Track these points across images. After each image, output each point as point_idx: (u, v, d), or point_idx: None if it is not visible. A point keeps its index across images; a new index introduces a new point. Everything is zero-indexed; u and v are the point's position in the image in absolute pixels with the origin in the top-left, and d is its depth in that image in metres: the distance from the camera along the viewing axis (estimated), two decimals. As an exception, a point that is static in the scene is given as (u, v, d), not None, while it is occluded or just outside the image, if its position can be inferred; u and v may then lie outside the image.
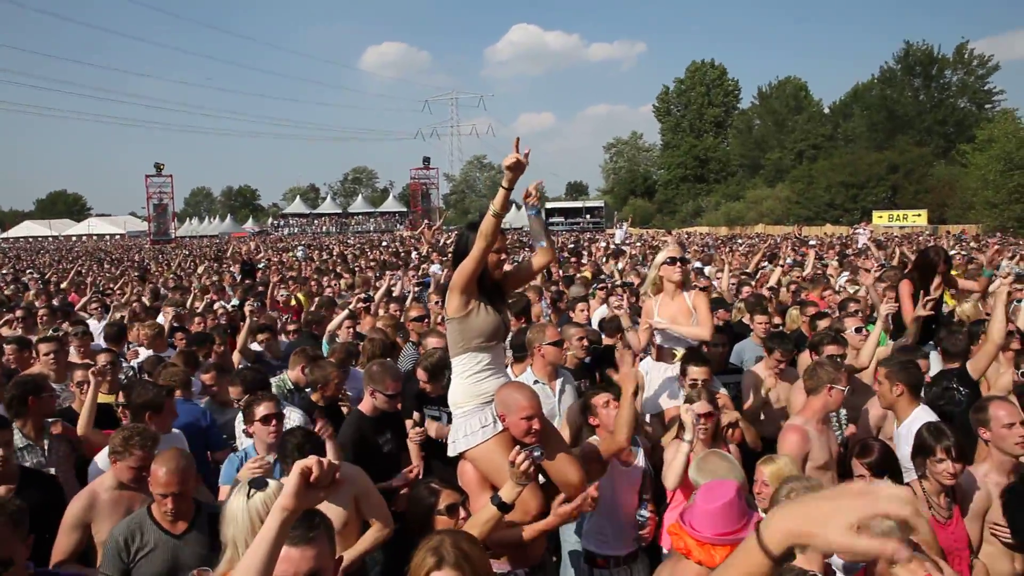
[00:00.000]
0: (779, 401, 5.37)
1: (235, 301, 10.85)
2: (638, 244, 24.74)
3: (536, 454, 2.85)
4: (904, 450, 3.92)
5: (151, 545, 3.19)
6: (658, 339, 5.12)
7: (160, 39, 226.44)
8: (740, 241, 30.33)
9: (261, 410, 4.08)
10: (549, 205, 71.28)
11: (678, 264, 5.05)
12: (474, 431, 3.42)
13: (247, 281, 14.38)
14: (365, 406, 4.51)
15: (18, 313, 8.48)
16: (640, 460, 4.16)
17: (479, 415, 3.44)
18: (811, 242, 24.42)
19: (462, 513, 2.97)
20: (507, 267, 3.81)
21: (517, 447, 2.89)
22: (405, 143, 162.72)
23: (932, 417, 4.06)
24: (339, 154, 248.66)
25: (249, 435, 4.19)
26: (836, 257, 16.39)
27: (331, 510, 3.30)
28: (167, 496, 3.18)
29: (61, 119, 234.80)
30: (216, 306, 9.85)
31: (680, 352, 4.96)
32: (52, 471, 4.23)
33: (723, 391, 4.93)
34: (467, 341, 3.48)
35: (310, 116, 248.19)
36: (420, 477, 4.29)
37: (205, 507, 3.42)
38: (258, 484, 2.62)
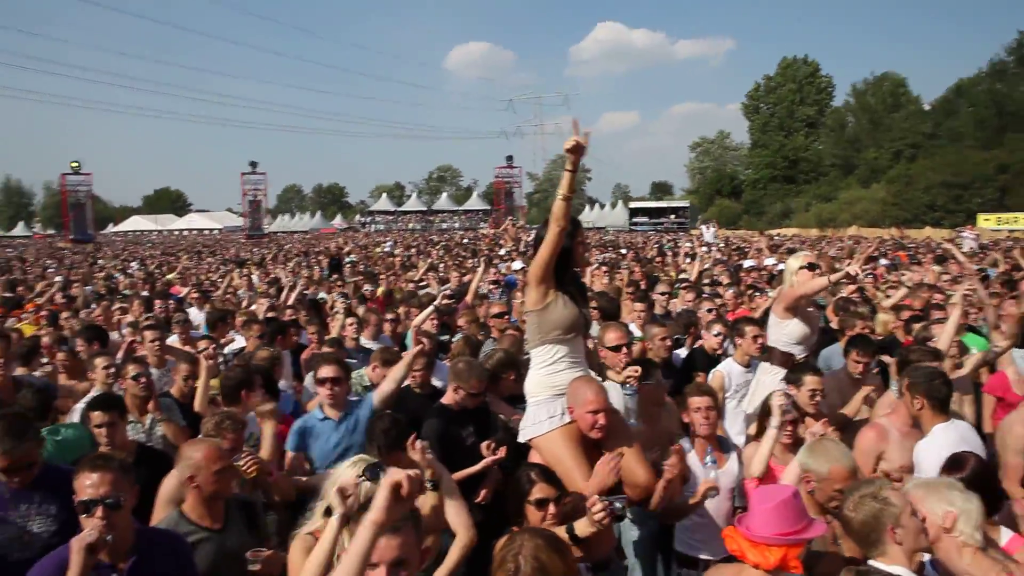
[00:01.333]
0: (857, 407, 5.11)
1: (323, 294, 11.23)
2: (722, 245, 24.21)
3: (617, 506, 2.84)
4: (922, 469, 3.73)
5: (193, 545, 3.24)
6: (783, 340, 5.00)
7: (256, 43, 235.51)
8: (830, 243, 29.25)
9: (321, 372, 4.35)
10: (633, 205, 70.54)
11: (816, 271, 4.95)
12: (541, 420, 3.49)
13: (334, 275, 14.82)
14: (448, 399, 4.60)
15: (131, 300, 9.13)
16: (733, 463, 4.11)
17: (549, 405, 3.50)
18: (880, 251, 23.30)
19: (551, 509, 2.98)
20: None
21: (597, 497, 2.86)
22: (489, 142, 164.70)
23: (954, 435, 3.78)
24: (424, 152, 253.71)
25: None
26: (934, 262, 15.62)
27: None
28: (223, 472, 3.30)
29: (166, 120, 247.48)
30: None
31: (798, 356, 4.88)
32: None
33: (892, 391, 4.76)
34: (544, 333, 3.54)
35: (397, 115, 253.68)
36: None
37: (233, 499, 3.47)
38: (372, 473, 2.72)
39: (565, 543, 2.33)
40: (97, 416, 4.02)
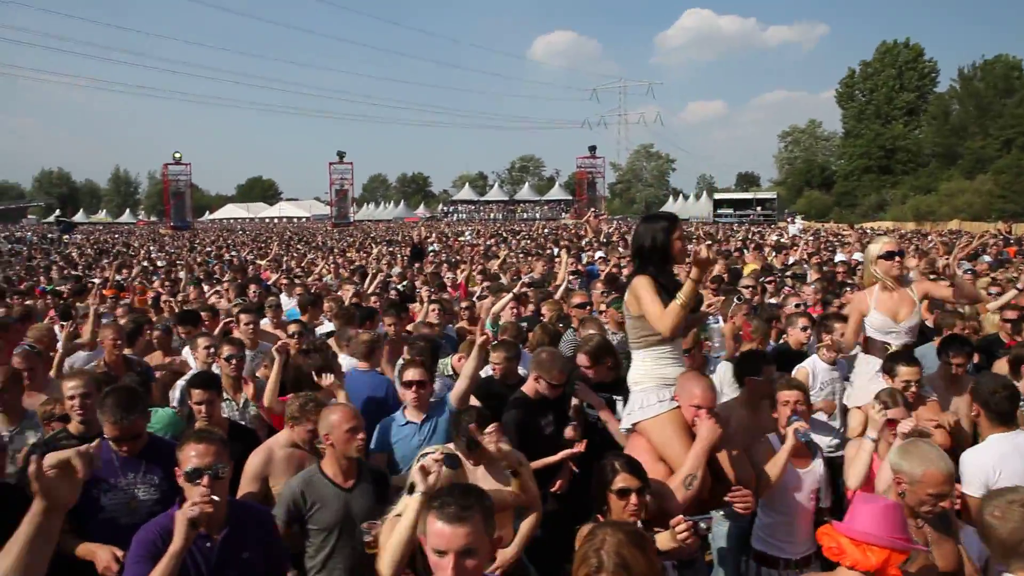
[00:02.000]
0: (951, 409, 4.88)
1: (404, 282, 11.48)
2: (811, 239, 23.39)
3: (702, 526, 2.85)
4: (963, 477, 3.66)
5: (324, 498, 3.51)
6: (869, 330, 4.86)
7: (347, 35, 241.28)
8: (930, 237, 27.83)
9: (407, 374, 4.42)
10: (718, 196, 68.84)
11: (896, 259, 4.77)
12: (650, 404, 3.53)
13: (416, 264, 15.10)
14: (528, 388, 4.63)
15: (226, 285, 9.56)
16: (818, 463, 4.02)
17: (657, 392, 3.54)
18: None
19: (633, 499, 2.98)
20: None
21: (681, 516, 2.85)
22: (572, 132, 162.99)
23: (1007, 446, 3.68)
24: (507, 142, 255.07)
25: None
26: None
27: (488, 484, 3.48)
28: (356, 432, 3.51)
29: (260, 112, 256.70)
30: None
31: (893, 345, 4.71)
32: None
33: (934, 397, 4.60)
34: (644, 337, 3.61)
35: (481, 105, 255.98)
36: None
37: (366, 465, 3.74)
38: (451, 462, 2.85)
39: (648, 539, 2.31)
40: (197, 394, 4.29)
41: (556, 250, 15.92)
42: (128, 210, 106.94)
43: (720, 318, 4.24)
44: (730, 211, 61.13)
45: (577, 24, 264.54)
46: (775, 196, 65.10)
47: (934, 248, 17.18)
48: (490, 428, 3.23)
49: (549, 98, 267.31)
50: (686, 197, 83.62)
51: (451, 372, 5.61)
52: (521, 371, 5.52)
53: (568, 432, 4.44)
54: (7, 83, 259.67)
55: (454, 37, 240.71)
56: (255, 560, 3.02)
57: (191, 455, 2.88)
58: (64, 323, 6.71)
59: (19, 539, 1.60)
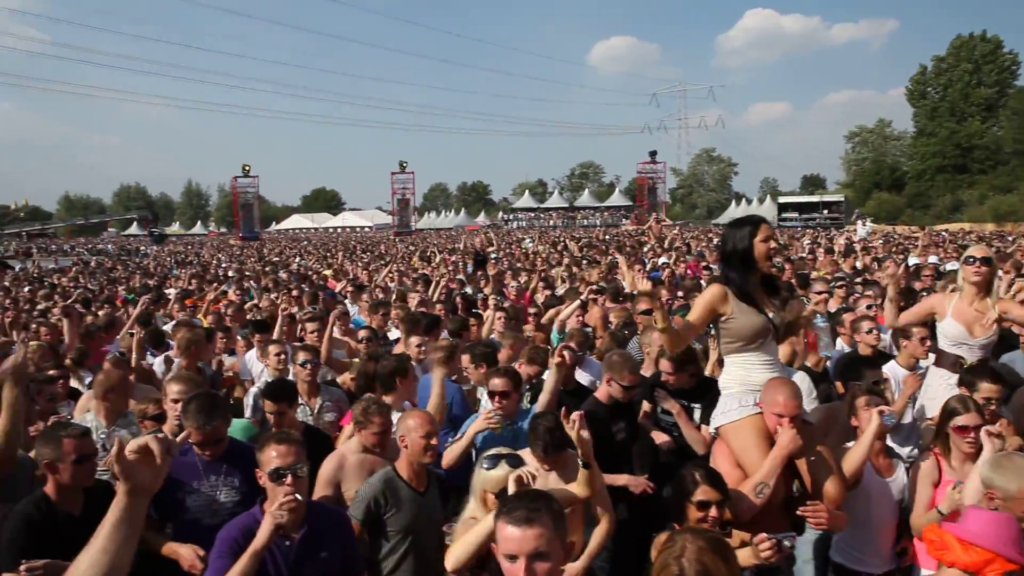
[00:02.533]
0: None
1: (468, 289, 11.57)
2: (880, 242, 22.65)
3: (786, 544, 2.78)
4: None
5: (401, 500, 3.57)
6: (942, 340, 4.63)
7: (406, 48, 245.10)
8: (1012, 238, 26.65)
9: (493, 384, 4.42)
10: (782, 200, 67.31)
11: (977, 264, 4.48)
12: (731, 409, 3.47)
13: (479, 271, 15.20)
14: (601, 394, 4.60)
15: (295, 293, 9.83)
16: (900, 473, 3.89)
17: (741, 396, 3.47)
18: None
19: (713, 512, 2.96)
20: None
21: (766, 535, 2.78)
22: (631, 137, 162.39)
23: None
24: (566, 149, 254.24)
25: None
26: None
27: (560, 486, 3.48)
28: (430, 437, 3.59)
29: (323, 124, 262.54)
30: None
31: (968, 359, 4.46)
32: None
33: (1008, 417, 4.32)
34: (728, 343, 3.57)
35: (539, 113, 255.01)
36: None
37: (433, 471, 3.79)
38: (489, 462, 2.91)
39: (729, 546, 2.25)
40: (269, 405, 4.41)
41: (616, 256, 15.81)
42: (200, 222, 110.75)
43: (825, 316, 4.10)
44: (795, 215, 59.71)
45: (636, 29, 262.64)
46: (843, 199, 63.28)
47: (1017, 250, 16.43)
48: (575, 415, 3.20)
49: (608, 104, 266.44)
50: (749, 201, 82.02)
51: None
52: (583, 377, 5.51)
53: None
54: (92, 104, 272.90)
55: (512, 46, 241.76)
56: (332, 560, 3.09)
57: (272, 456, 2.97)
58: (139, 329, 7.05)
59: (106, 522, 1.67)
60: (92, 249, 53.84)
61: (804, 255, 16.73)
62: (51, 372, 5.22)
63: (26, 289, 16.55)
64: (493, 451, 3.14)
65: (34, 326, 8.04)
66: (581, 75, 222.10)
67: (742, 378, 3.51)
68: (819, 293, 7.34)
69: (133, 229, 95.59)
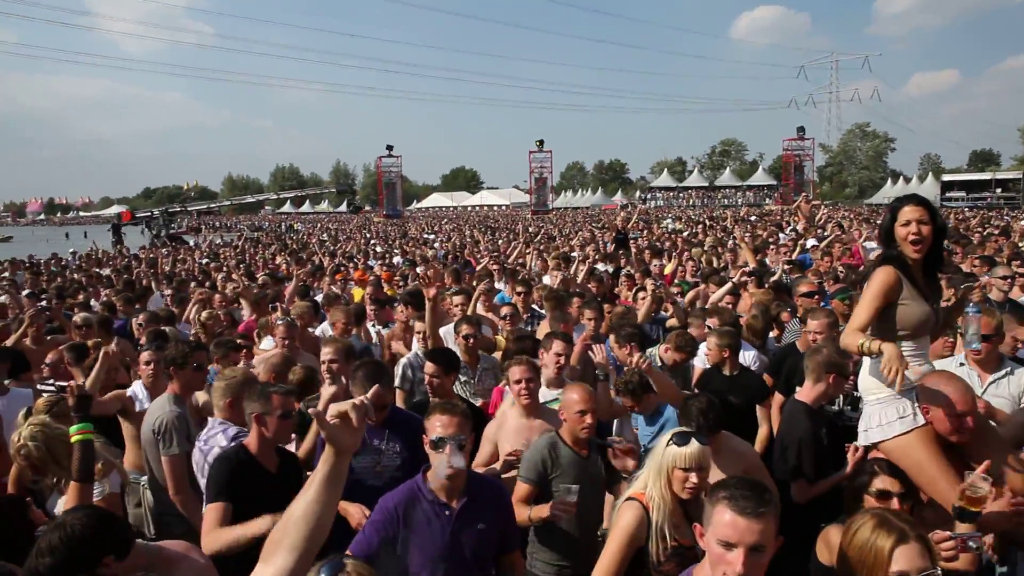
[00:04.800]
0: None
1: (608, 267, 11.47)
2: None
3: (971, 545, 2.49)
4: None
5: (565, 462, 3.65)
6: None
7: (545, 26, 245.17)
8: None
9: None
10: (946, 178, 62.24)
11: None
12: (890, 421, 3.16)
13: (621, 250, 15.04)
14: (807, 396, 4.11)
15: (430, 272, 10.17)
16: None
17: (897, 404, 3.16)
18: None
19: (895, 504, 2.78)
20: None
21: (949, 534, 2.52)
22: (777, 113, 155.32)
23: None
24: (707, 126, 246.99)
25: None
26: None
27: (719, 474, 3.38)
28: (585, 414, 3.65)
29: (463, 104, 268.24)
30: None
31: None
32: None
33: None
34: (886, 331, 3.20)
35: (679, 89, 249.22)
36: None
37: (595, 443, 3.81)
38: (679, 439, 2.87)
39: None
40: (429, 367, 4.59)
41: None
42: (346, 200, 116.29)
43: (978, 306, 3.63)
44: (962, 194, 54.97)
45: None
46: (1021, 176, 57.50)
47: None
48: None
49: (752, 78, 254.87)
50: (907, 179, 76.11)
51: (659, 363, 5.43)
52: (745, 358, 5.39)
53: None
54: (252, 91, 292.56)
55: (652, 20, 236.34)
56: (489, 531, 3.14)
57: (436, 425, 3.06)
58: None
59: (316, 477, 1.86)
60: (252, 225, 57.91)
61: (984, 237, 15.31)
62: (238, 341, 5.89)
63: (202, 261, 17.99)
64: (681, 428, 3.08)
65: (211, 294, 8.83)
66: (723, 48, 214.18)
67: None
68: (1003, 279, 6.65)
69: (287, 208, 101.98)
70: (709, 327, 5.80)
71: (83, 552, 2.35)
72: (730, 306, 7.03)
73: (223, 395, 4.02)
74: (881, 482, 2.81)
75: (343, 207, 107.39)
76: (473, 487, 3.17)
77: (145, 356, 5.08)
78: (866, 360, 3.32)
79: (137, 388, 5.05)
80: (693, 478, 2.84)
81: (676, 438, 2.89)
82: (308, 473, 2.84)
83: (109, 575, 2.40)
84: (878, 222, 20.15)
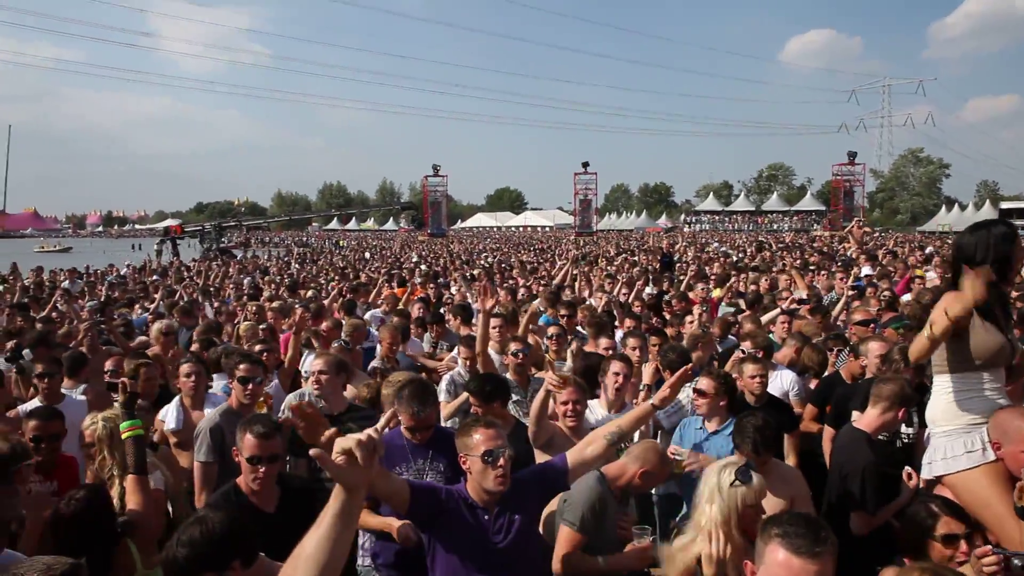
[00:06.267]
0: None
1: (652, 290, 11.38)
2: None
3: (1016, 563, 2.38)
4: None
5: (608, 512, 3.46)
6: None
7: (593, 49, 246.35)
8: None
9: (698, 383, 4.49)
10: (1005, 205, 60.45)
11: None
12: (956, 455, 3.05)
13: (666, 273, 14.93)
14: (868, 424, 3.95)
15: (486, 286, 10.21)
16: None
17: (965, 438, 3.05)
18: None
19: (963, 547, 2.63)
20: None
21: (991, 547, 2.42)
22: (827, 137, 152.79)
23: None
24: (755, 150, 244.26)
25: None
26: None
27: (769, 501, 3.28)
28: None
29: (509, 125, 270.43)
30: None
31: None
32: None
33: None
34: (957, 361, 3.11)
35: (726, 113, 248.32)
36: None
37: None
38: (743, 476, 2.72)
39: None
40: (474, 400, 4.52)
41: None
42: (392, 218, 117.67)
43: None
44: (1022, 222, 53.33)
45: (836, 22, 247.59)
46: (1082, 203, 55.63)
47: None
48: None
49: (801, 102, 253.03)
50: (963, 207, 74.16)
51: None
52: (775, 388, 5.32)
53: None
54: (303, 110, 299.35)
55: (701, 44, 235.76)
56: (529, 523, 3.08)
57: (480, 439, 2.98)
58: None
59: (326, 515, 1.77)
60: (298, 241, 58.91)
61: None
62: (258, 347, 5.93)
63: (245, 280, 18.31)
64: (737, 463, 2.86)
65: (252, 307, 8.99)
66: (773, 72, 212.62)
67: (957, 410, 3.10)
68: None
69: (333, 224, 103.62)
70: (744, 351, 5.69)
71: (218, 551, 2.40)
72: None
73: None
74: (946, 526, 2.66)
75: (389, 224, 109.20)
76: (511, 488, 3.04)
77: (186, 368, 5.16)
78: (935, 390, 3.24)
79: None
80: (762, 510, 2.73)
81: (740, 475, 2.72)
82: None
83: None
84: (928, 250, 19.60)
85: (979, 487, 2.95)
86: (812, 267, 15.35)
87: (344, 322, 7.63)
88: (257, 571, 2.54)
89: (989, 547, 2.47)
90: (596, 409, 4.70)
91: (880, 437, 4.34)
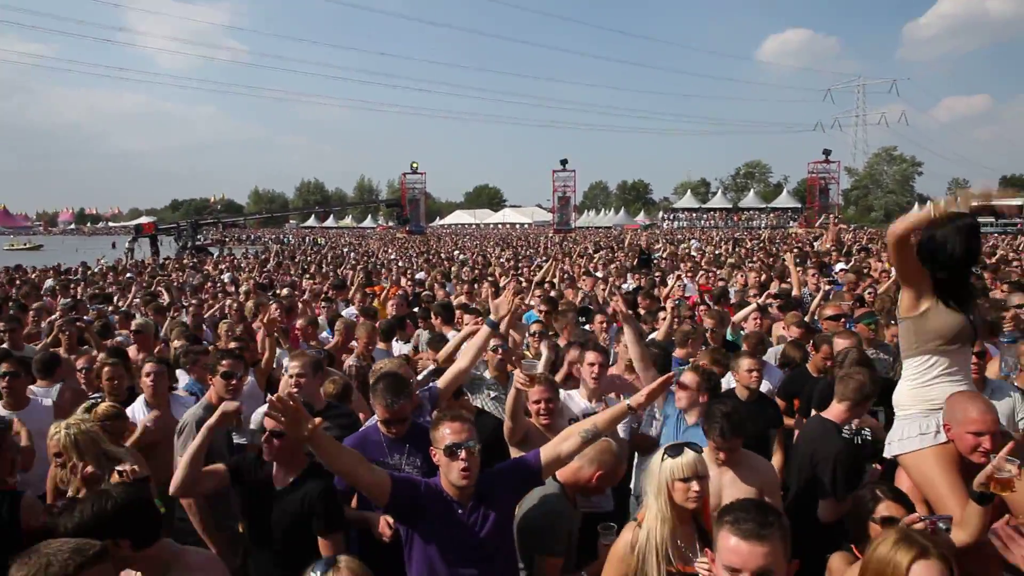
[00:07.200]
0: None
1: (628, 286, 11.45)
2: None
3: (940, 526, 2.46)
4: None
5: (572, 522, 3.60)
6: None
7: (571, 46, 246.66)
8: None
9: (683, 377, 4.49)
10: (977, 203, 61.20)
11: None
12: (911, 436, 3.17)
13: (644, 270, 15.01)
14: (839, 415, 4.04)
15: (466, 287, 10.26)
16: None
17: (921, 421, 3.17)
18: None
19: None
20: None
21: (919, 516, 2.53)
22: (802, 136, 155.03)
23: None
24: (731, 148, 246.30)
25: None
26: None
27: (737, 490, 3.32)
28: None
29: (487, 123, 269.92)
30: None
31: None
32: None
33: None
34: (921, 343, 3.22)
35: (704, 110, 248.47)
36: None
37: None
38: (673, 451, 2.84)
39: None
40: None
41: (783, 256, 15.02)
42: (369, 215, 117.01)
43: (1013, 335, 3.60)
44: (991, 219, 54.06)
45: (813, 21, 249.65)
46: (1052, 202, 56.59)
47: None
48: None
49: (778, 101, 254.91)
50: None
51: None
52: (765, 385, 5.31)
53: None
54: (280, 107, 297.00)
55: (678, 42, 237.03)
56: (505, 514, 3.14)
57: (447, 432, 3.01)
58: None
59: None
60: (275, 239, 58.43)
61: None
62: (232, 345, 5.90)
63: (225, 276, 18.12)
64: (672, 442, 2.98)
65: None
66: (750, 71, 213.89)
67: (922, 394, 3.21)
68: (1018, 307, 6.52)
69: (311, 222, 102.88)
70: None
71: (103, 525, 2.46)
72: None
73: None
74: (886, 508, 2.75)
75: (367, 221, 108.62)
76: (481, 485, 3.08)
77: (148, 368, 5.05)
78: (903, 375, 3.35)
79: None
80: (695, 486, 2.78)
81: (669, 451, 2.84)
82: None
83: (122, 557, 2.49)
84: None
85: (927, 467, 3.06)
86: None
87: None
88: (159, 552, 2.60)
89: (917, 515, 2.56)
90: (577, 399, 4.74)
91: (844, 433, 4.44)
